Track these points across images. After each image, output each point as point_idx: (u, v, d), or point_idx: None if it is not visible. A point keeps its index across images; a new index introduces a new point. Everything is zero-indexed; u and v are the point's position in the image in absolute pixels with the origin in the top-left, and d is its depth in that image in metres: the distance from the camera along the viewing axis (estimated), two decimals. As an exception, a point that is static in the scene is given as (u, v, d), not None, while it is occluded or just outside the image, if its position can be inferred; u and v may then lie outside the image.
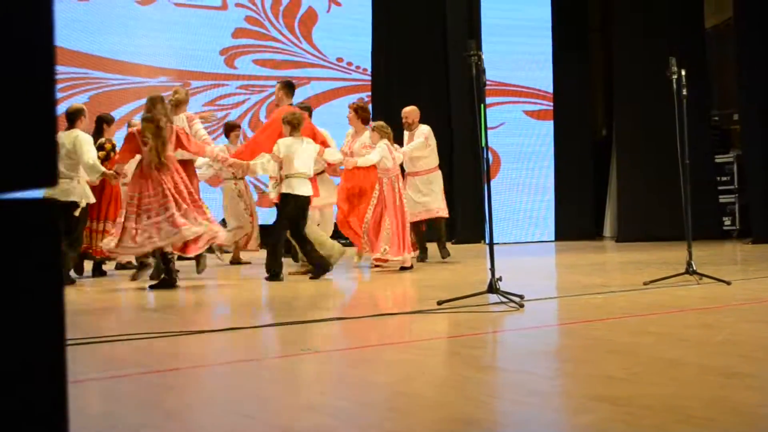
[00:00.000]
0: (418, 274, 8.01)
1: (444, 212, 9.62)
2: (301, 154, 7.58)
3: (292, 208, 7.54)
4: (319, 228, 8.42)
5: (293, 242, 7.96)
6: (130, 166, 7.51)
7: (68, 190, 7.56)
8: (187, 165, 7.97)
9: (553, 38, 15.10)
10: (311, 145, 7.76)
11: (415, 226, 9.29)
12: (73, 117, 7.84)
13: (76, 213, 7.71)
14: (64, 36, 12.31)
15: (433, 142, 9.48)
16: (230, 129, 10.35)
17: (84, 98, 12.56)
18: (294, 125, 7.62)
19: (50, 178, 0.97)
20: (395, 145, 8.68)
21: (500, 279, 5.21)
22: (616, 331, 4.14)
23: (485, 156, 5.60)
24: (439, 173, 9.58)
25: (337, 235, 9.08)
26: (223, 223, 9.73)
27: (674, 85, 6.47)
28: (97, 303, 6.38)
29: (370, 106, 14.78)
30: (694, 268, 6.29)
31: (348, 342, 4.17)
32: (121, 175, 7.87)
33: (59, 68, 11.99)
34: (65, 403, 0.99)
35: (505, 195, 14.31)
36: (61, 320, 0.99)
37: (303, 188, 7.60)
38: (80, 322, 4.91)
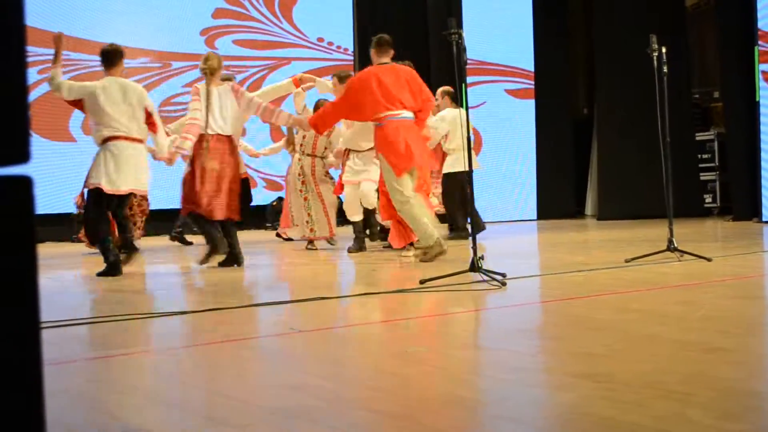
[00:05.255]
0: (399, 253, 7.99)
1: None
2: None
3: None
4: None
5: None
6: None
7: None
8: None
9: (534, 17, 15.09)
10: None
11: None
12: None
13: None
14: (43, 17, 12.17)
15: None
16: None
17: (63, 80, 12.43)
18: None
19: (23, 156, 0.96)
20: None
21: (482, 257, 5.22)
22: (597, 308, 4.16)
23: (467, 134, 5.60)
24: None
25: None
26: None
27: (655, 63, 6.48)
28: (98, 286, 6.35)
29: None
30: (675, 246, 6.32)
31: (330, 321, 4.17)
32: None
33: (38, 50, 11.87)
34: (41, 385, 0.99)
35: (487, 174, 14.33)
36: (34, 301, 0.98)
37: None
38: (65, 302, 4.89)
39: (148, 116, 6.87)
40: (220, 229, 6.93)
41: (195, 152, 6.89)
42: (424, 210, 6.87)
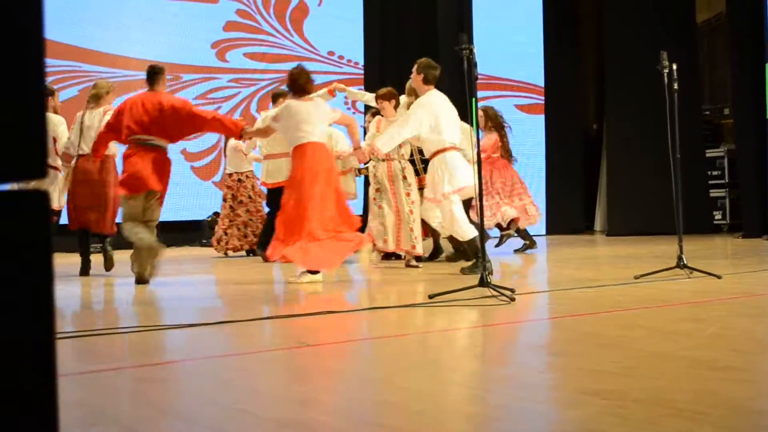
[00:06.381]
0: (410, 268, 7.98)
1: None
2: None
3: None
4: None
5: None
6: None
7: None
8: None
9: (545, 32, 15.11)
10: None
11: None
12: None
13: None
14: (55, 29, 12.25)
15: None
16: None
17: (74, 91, 12.52)
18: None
19: (39, 171, 0.96)
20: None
21: (491, 273, 5.21)
22: (606, 324, 4.15)
23: (477, 150, 5.61)
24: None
25: None
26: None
27: (665, 79, 6.48)
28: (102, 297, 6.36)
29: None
30: (685, 262, 6.30)
31: (340, 336, 4.17)
32: None
33: (50, 61, 11.94)
34: (55, 395, 0.99)
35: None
36: (50, 313, 0.98)
37: None
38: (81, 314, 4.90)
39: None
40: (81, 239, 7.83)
41: (72, 173, 7.81)
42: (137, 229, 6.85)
